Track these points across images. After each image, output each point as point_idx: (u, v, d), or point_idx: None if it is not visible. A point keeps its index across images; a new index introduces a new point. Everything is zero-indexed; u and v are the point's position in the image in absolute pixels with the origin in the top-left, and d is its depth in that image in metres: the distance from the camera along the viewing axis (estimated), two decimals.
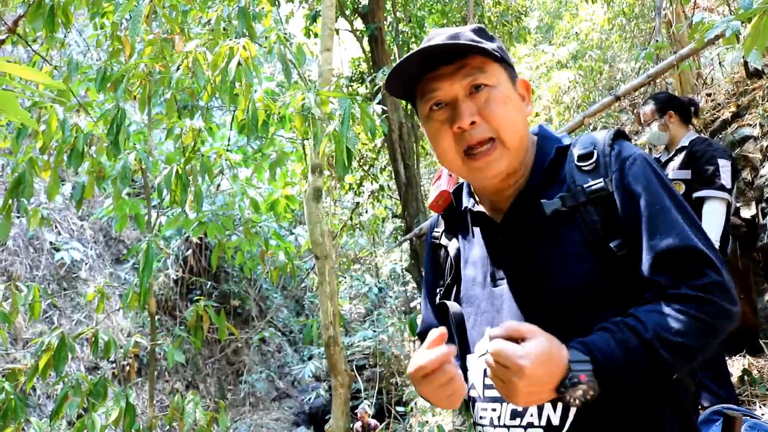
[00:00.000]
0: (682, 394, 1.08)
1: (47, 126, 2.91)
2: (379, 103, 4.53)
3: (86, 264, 9.03)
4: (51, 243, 8.62)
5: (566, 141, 1.19)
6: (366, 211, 10.57)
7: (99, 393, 3.09)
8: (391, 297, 13.16)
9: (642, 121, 3.54)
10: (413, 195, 8.19)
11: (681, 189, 3.20)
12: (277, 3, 6.93)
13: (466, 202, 1.27)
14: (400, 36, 9.13)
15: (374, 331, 11.13)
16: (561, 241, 1.09)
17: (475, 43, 1.10)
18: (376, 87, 6.04)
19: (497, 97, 1.11)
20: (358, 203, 9.95)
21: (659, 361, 0.94)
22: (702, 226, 1.05)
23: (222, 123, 5.79)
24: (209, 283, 10.74)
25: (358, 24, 8.96)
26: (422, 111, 1.17)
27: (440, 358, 1.03)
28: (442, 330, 1.05)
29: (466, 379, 1.22)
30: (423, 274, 1.45)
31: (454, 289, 1.27)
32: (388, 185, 9.79)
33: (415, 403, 8.13)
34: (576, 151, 1.14)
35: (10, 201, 3.00)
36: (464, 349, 1.22)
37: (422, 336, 1.38)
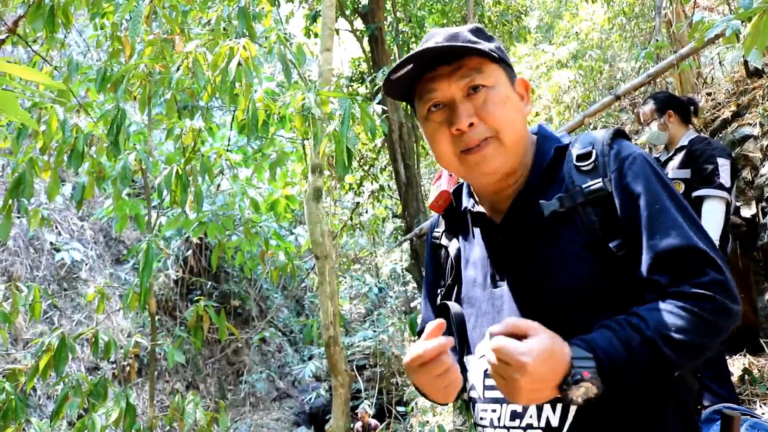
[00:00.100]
0: (684, 394, 1.08)
1: (47, 126, 2.91)
2: (379, 103, 4.53)
3: (86, 264, 9.03)
4: (51, 243, 8.62)
5: (565, 140, 1.18)
6: (366, 211, 10.57)
7: (99, 393, 3.09)
8: (391, 297, 13.16)
9: (642, 121, 3.54)
10: (413, 195, 8.19)
11: (681, 188, 3.20)
12: (277, 3, 6.92)
13: (466, 202, 1.27)
14: (400, 36, 9.13)
15: (374, 331, 11.13)
16: (560, 242, 1.08)
17: (472, 44, 1.10)
18: (376, 87, 6.04)
19: (495, 97, 1.11)
20: (358, 203, 9.95)
21: (661, 358, 0.94)
22: (702, 225, 1.05)
23: (222, 123, 5.79)
24: (209, 283, 10.74)
25: (358, 24, 8.96)
26: (420, 112, 1.17)
27: (437, 348, 1.03)
28: (440, 321, 1.05)
29: (466, 380, 1.22)
30: (423, 273, 1.45)
31: (455, 289, 1.27)
32: (389, 185, 9.79)
33: (416, 403, 8.13)
34: (575, 151, 1.14)
35: (10, 201, 3.00)
36: (465, 350, 1.22)
37: (421, 336, 1.39)
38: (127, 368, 8.32)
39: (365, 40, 8.59)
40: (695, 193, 3.11)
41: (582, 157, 1.12)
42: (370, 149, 9.59)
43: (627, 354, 0.93)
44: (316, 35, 8.26)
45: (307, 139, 4.01)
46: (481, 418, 1.16)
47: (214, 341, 10.69)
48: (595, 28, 10.24)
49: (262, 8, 3.76)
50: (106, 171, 3.22)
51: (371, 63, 8.59)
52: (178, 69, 3.04)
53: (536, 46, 11.74)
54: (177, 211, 3.71)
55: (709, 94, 5.79)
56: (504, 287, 1.15)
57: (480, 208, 1.22)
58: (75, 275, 8.83)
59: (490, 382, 1.14)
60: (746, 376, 3.77)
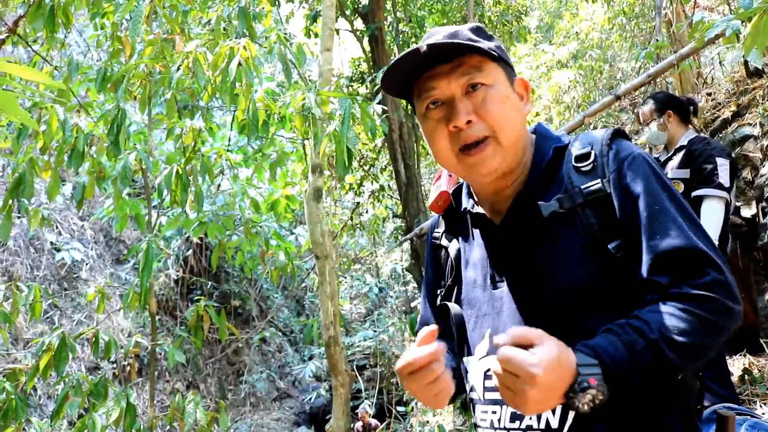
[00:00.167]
0: (685, 395, 1.07)
1: (48, 126, 2.91)
2: (379, 103, 4.53)
3: (87, 264, 9.04)
4: (52, 243, 8.63)
5: (564, 140, 1.18)
6: (366, 211, 10.57)
7: (100, 393, 3.09)
8: (391, 297, 13.16)
9: (641, 121, 3.54)
10: (414, 195, 8.20)
11: (680, 188, 3.20)
12: (277, 3, 6.93)
13: (466, 203, 1.26)
14: (401, 36, 9.14)
15: (375, 331, 11.14)
16: (560, 242, 1.08)
17: (472, 42, 1.09)
18: (377, 87, 6.04)
19: (494, 96, 1.11)
20: (358, 203, 9.95)
21: (665, 361, 0.93)
22: (702, 225, 1.04)
23: (222, 123, 5.79)
24: (210, 283, 10.74)
25: (359, 24, 8.96)
26: (419, 109, 1.17)
27: (427, 357, 1.02)
28: (432, 328, 1.05)
29: (466, 381, 1.22)
30: (423, 273, 1.45)
31: (455, 290, 1.27)
32: (389, 185, 9.79)
33: (416, 403, 8.13)
34: (574, 151, 1.13)
35: (10, 201, 3.00)
36: (464, 352, 1.22)
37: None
38: (128, 368, 8.32)
39: (365, 40, 8.60)
40: (694, 193, 3.11)
41: (581, 158, 1.12)
42: (371, 149, 9.59)
43: (631, 358, 0.92)
44: (316, 35, 8.26)
45: (308, 139, 4.01)
46: (482, 420, 1.16)
47: (215, 341, 10.70)
48: (595, 28, 10.24)
49: (263, 8, 3.76)
50: (107, 171, 3.22)
51: (371, 63, 8.59)
52: (178, 69, 3.04)
53: (536, 46, 11.73)
54: (177, 210, 3.71)
55: (709, 94, 5.79)
56: (504, 288, 1.14)
57: (479, 209, 1.22)
58: (75, 275, 8.84)
59: (490, 383, 1.13)
60: (746, 376, 3.77)
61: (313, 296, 13.64)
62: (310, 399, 11.16)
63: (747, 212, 4.23)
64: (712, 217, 3.04)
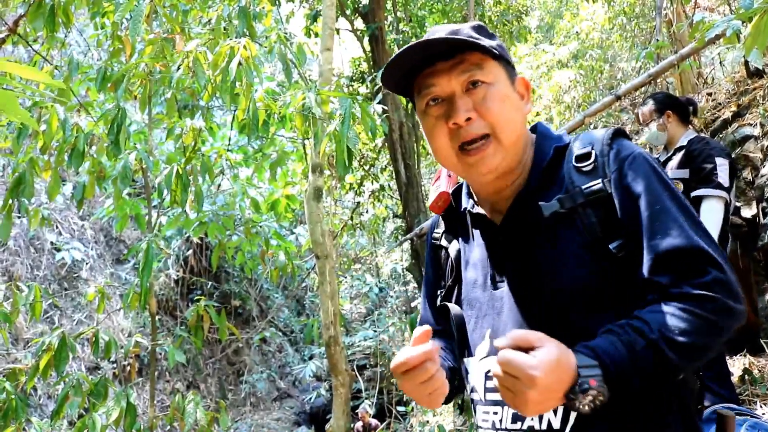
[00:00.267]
0: (686, 395, 1.07)
1: (48, 126, 2.91)
2: (379, 103, 4.53)
3: (87, 264, 9.04)
4: (52, 243, 8.63)
5: (565, 140, 1.18)
6: (366, 211, 10.57)
7: (100, 393, 3.09)
8: (391, 297, 13.17)
9: (641, 122, 3.54)
10: (414, 195, 8.20)
11: (680, 188, 3.19)
12: (277, 3, 6.93)
13: (465, 203, 1.26)
14: (401, 36, 9.13)
15: (375, 331, 11.14)
16: (561, 242, 1.08)
17: (473, 40, 1.09)
18: (377, 86, 6.05)
19: (494, 94, 1.10)
20: (358, 203, 9.95)
21: (665, 361, 0.93)
22: (703, 225, 1.04)
23: (222, 123, 5.80)
24: (210, 283, 10.74)
25: (359, 24, 8.96)
26: (419, 106, 1.17)
27: (422, 356, 1.02)
28: (426, 328, 1.04)
29: (467, 382, 1.22)
30: (423, 274, 1.44)
31: (455, 290, 1.26)
32: (389, 185, 9.79)
33: (416, 403, 8.13)
34: (574, 151, 1.13)
35: (10, 201, 3.00)
36: (465, 352, 1.22)
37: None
38: (128, 368, 8.32)
39: (366, 39, 8.60)
40: (694, 193, 3.11)
41: (582, 158, 1.11)
42: (371, 149, 9.59)
43: (632, 359, 0.92)
44: (316, 35, 8.26)
45: (308, 138, 4.01)
46: (483, 420, 1.15)
47: (215, 341, 10.70)
48: (595, 27, 10.24)
49: (263, 8, 3.76)
50: (107, 170, 3.22)
51: (372, 63, 8.59)
52: (178, 68, 3.04)
53: (537, 46, 11.74)
54: (177, 210, 3.71)
55: (709, 94, 5.79)
56: (504, 288, 1.14)
57: (479, 209, 1.21)
58: (75, 275, 8.84)
59: (491, 384, 1.13)
60: (746, 377, 3.76)
61: (314, 296, 13.64)
62: (311, 399, 11.17)
63: (747, 212, 4.23)
64: (711, 216, 3.03)
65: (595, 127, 7.66)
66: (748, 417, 1.32)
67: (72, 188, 8.05)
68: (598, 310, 1.03)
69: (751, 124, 4.59)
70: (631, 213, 1.04)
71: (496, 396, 1.10)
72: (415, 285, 10.44)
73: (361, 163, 9.46)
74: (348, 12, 8.66)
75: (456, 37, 1.09)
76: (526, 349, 0.90)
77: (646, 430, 1.02)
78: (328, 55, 4.00)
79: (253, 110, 3.02)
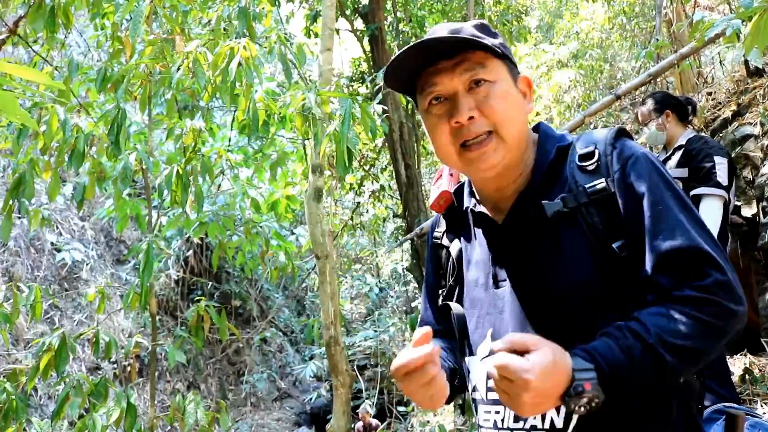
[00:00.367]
0: (687, 394, 1.07)
1: (48, 126, 2.91)
2: (379, 103, 4.53)
3: (87, 264, 9.04)
4: (52, 243, 8.63)
5: (567, 139, 1.18)
6: (367, 211, 10.57)
7: (100, 393, 3.09)
8: (392, 297, 13.16)
9: (640, 121, 3.54)
10: (414, 195, 8.20)
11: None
12: (277, 3, 6.92)
13: (467, 202, 1.26)
14: (401, 36, 9.13)
15: (375, 331, 11.14)
16: (563, 242, 1.07)
17: (476, 38, 1.09)
18: (377, 87, 6.04)
19: (497, 93, 1.10)
20: (358, 203, 9.95)
21: (664, 365, 0.93)
22: (706, 225, 1.03)
23: (223, 123, 5.79)
24: (210, 283, 10.74)
25: (359, 24, 8.97)
26: (421, 105, 1.16)
27: (422, 358, 1.01)
28: (426, 329, 1.04)
29: (468, 381, 1.22)
30: (424, 273, 1.44)
31: (456, 290, 1.26)
32: (389, 185, 9.79)
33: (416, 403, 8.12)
34: (577, 151, 1.13)
35: (11, 201, 3.00)
36: (466, 351, 1.22)
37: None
38: (128, 368, 8.32)
39: (365, 40, 8.60)
40: (692, 192, 3.11)
41: (585, 157, 1.11)
42: (371, 149, 9.59)
43: (628, 362, 0.92)
44: (316, 35, 8.26)
45: (308, 139, 4.01)
46: (484, 420, 1.15)
47: (215, 341, 10.69)
48: (595, 27, 10.25)
49: (263, 8, 3.76)
50: (107, 171, 3.22)
51: (371, 63, 8.60)
52: (178, 69, 3.04)
53: (537, 46, 11.74)
54: (178, 211, 3.71)
55: (709, 94, 5.79)
56: (506, 288, 1.14)
57: (482, 208, 1.21)
58: (76, 275, 8.84)
59: (492, 383, 1.13)
60: (747, 376, 3.76)
61: (314, 296, 13.64)
62: (311, 399, 11.16)
63: (747, 212, 4.23)
64: (710, 215, 3.03)
65: (595, 127, 7.66)
66: (749, 416, 1.32)
67: (72, 189, 8.04)
68: (600, 309, 1.02)
69: (751, 123, 4.59)
70: (633, 213, 1.03)
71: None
72: (416, 285, 10.44)
73: (362, 164, 9.46)
74: (348, 12, 8.67)
75: (459, 36, 1.09)
76: (522, 352, 0.91)
77: (647, 429, 1.02)
78: (328, 56, 4.00)
79: (253, 111, 3.02)
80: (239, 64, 2.81)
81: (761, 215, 4.14)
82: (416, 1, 9.57)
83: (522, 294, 1.11)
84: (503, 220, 1.17)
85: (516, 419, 1.09)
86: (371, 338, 11.07)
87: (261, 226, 4.21)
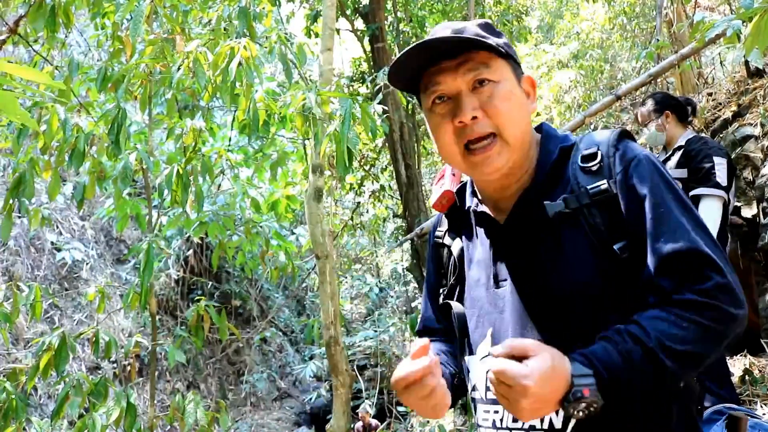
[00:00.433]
0: (688, 398, 1.07)
1: (48, 126, 2.91)
2: (380, 103, 4.53)
3: (87, 264, 9.04)
4: (52, 243, 8.63)
5: (571, 140, 1.18)
6: (367, 211, 10.58)
7: (100, 393, 3.09)
8: (392, 297, 13.16)
9: (640, 122, 3.54)
10: (414, 195, 8.20)
11: None
12: (277, 3, 6.92)
13: (469, 201, 1.26)
14: (401, 36, 9.13)
15: (375, 331, 11.13)
16: (564, 243, 1.08)
17: (479, 38, 1.09)
18: (377, 87, 6.04)
19: (501, 93, 1.10)
20: (359, 203, 9.95)
21: (664, 370, 0.93)
22: (708, 228, 1.03)
23: (223, 123, 5.80)
24: (210, 283, 10.74)
25: (359, 24, 8.97)
26: (425, 104, 1.16)
27: (420, 371, 1.01)
28: (424, 341, 1.04)
29: (468, 380, 1.22)
30: (425, 273, 1.44)
31: (457, 289, 1.26)
32: (389, 185, 9.79)
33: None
34: (580, 151, 1.13)
35: (11, 201, 3.00)
36: (466, 351, 1.22)
37: (421, 335, 1.38)
38: (128, 368, 8.32)
39: (366, 40, 8.60)
40: (692, 193, 3.10)
41: (587, 158, 1.11)
42: (371, 149, 9.59)
43: (627, 367, 0.92)
44: (316, 35, 8.26)
45: (308, 139, 4.01)
46: (483, 419, 1.15)
47: (215, 341, 10.69)
48: (595, 27, 10.24)
49: (263, 8, 3.76)
50: (107, 171, 3.22)
51: (372, 63, 8.59)
52: (178, 69, 3.04)
53: (537, 46, 11.73)
54: (178, 210, 3.70)
55: (710, 94, 5.79)
56: (506, 287, 1.14)
57: (484, 208, 1.21)
58: (76, 275, 8.84)
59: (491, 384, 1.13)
60: (747, 377, 3.76)
61: (314, 296, 13.64)
62: (311, 399, 11.15)
63: (748, 212, 4.23)
64: (709, 216, 3.03)
65: (595, 127, 7.66)
66: (749, 417, 1.32)
67: (72, 188, 8.04)
68: (601, 310, 1.03)
69: (751, 124, 4.59)
70: (635, 215, 1.04)
71: None
72: (416, 285, 10.44)
73: (362, 164, 9.46)
74: (348, 12, 8.66)
75: (462, 36, 1.09)
76: (521, 358, 0.91)
77: (647, 429, 1.02)
78: (329, 56, 4.00)
79: (254, 111, 3.02)
80: (239, 63, 2.81)
81: (761, 216, 4.13)
82: (417, 1, 9.56)
83: (523, 294, 1.11)
84: (505, 220, 1.17)
85: (515, 419, 1.09)
86: (371, 338, 11.06)
87: (261, 226, 4.20)
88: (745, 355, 4.04)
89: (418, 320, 1.42)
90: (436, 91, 1.12)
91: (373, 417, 9.17)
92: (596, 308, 1.03)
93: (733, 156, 4.29)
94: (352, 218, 9.91)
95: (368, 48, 8.72)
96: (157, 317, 3.73)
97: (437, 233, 1.35)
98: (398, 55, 1.12)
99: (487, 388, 1.15)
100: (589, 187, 1.08)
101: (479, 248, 1.22)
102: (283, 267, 4.36)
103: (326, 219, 4.43)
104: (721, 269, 0.98)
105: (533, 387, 0.88)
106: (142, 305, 3.09)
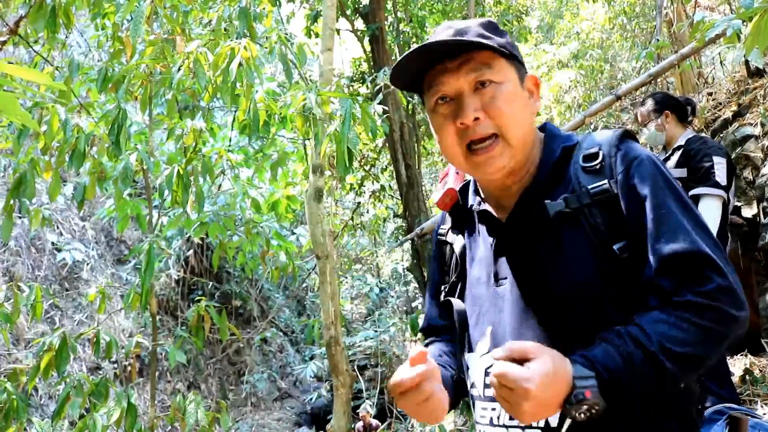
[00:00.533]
0: (688, 399, 1.07)
1: (49, 127, 2.91)
2: (380, 103, 4.53)
3: (88, 264, 9.04)
4: (53, 243, 8.63)
5: (573, 139, 1.18)
6: (367, 211, 10.58)
7: (101, 393, 3.09)
8: (392, 297, 13.16)
9: (639, 122, 3.54)
10: (414, 195, 8.20)
11: None
12: (278, 3, 6.93)
13: (472, 200, 1.27)
14: (401, 36, 9.13)
15: (376, 331, 11.13)
16: (565, 242, 1.08)
17: (482, 39, 1.09)
18: (377, 87, 6.04)
19: (503, 94, 1.10)
20: (359, 203, 9.96)
21: (664, 372, 0.93)
22: (709, 228, 1.03)
23: (223, 123, 5.80)
24: (211, 283, 10.74)
25: (359, 24, 8.97)
26: (428, 104, 1.17)
27: (417, 377, 1.01)
28: (421, 348, 1.04)
29: (467, 377, 1.22)
30: (425, 273, 1.45)
31: (459, 286, 1.27)
32: (390, 185, 9.79)
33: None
34: (582, 151, 1.13)
35: (11, 201, 3.00)
36: (466, 348, 1.22)
37: (424, 332, 1.39)
38: (129, 368, 8.32)
39: (366, 40, 8.60)
40: (691, 192, 3.10)
41: (589, 158, 1.11)
42: (371, 149, 9.59)
43: (628, 370, 0.92)
44: (317, 35, 8.27)
45: (308, 139, 4.01)
46: (481, 417, 1.16)
47: (216, 341, 10.69)
48: (595, 27, 10.24)
49: (263, 8, 3.76)
50: (108, 171, 3.22)
51: (372, 63, 8.60)
52: (179, 69, 3.04)
53: (537, 46, 11.74)
54: (178, 211, 3.71)
55: (710, 94, 5.79)
56: (507, 286, 1.14)
57: (486, 206, 1.22)
58: (76, 275, 8.84)
59: (490, 381, 1.14)
60: (747, 377, 3.76)
61: (314, 296, 13.64)
62: (311, 399, 11.16)
63: (748, 212, 4.23)
64: (708, 215, 3.03)
65: (595, 127, 7.66)
66: (749, 417, 1.32)
67: (73, 189, 8.04)
68: (601, 310, 1.03)
69: (751, 124, 4.59)
70: (636, 215, 1.04)
71: None
72: (416, 285, 10.43)
73: (362, 164, 9.47)
74: (348, 12, 8.67)
75: (464, 38, 1.09)
76: (522, 360, 0.91)
77: (645, 429, 1.02)
78: (329, 56, 4.00)
79: (254, 111, 3.02)
80: (240, 64, 2.81)
81: (761, 216, 4.13)
82: (417, 1, 9.57)
83: (522, 293, 1.11)
84: (506, 219, 1.17)
85: (512, 416, 1.09)
86: (372, 338, 11.06)
87: (261, 226, 4.20)
88: (746, 355, 4.04)
89: (423, 318, 1.42)
90: (438, 92, 1.13)
91: (374, 417, 9.17)
92: (596, 308, 1.03)
93: (733, 156, 4.29)
94: (352, 218, 9.91)
95: (368, 48, 8.72)
96: (158, 317, 3.73)
97: (440, 231, 1.36)
98: (399, 59, 1.12)
99: (486, 386, 1.15)
100: (590, 187, 1.08)
101: (481, 246, 1.23)
102: (284, 267, 4.36)
103: (326, 219, 4.43)
104: (721, 270, 0.97)
105: (535, 390, 0.88)
106: (143, 306, 3.09)
